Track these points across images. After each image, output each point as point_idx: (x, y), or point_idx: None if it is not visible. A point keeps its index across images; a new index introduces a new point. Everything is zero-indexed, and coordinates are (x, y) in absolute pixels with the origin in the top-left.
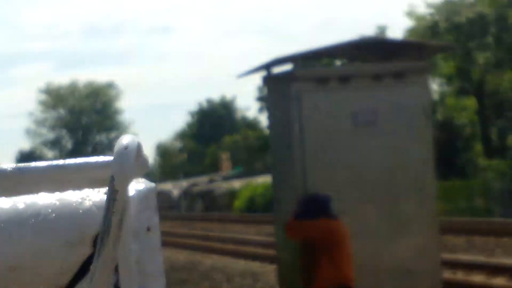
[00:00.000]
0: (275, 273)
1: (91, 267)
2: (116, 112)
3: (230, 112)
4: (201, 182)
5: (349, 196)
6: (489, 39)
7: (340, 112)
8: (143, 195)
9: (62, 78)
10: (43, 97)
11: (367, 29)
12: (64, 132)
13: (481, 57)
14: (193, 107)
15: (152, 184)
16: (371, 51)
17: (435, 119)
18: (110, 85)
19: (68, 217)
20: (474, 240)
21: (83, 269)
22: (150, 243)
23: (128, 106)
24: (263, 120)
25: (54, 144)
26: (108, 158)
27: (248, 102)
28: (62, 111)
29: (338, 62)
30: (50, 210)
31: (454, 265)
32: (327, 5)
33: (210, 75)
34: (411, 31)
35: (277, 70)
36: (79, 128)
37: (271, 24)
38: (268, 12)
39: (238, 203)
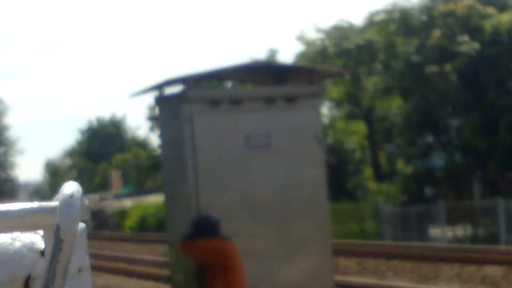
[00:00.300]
0: None
1: None
2: (3, 128)
3: (120, 130)
4: (91, 200)
5: (241, 217)
6: (378, 66)
7: (232, 134)
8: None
9: None
10: None
11: (258, 52)
12: None
13: (370, 83)
14: (83, 124)
15: (83, 225)
16: (263, 75)
17: (326, 143)
18: None
19: None
20: (366, 263)
21: None
22: (81, 284)
23: (15, 122)
24: (154, 139)
25: None
26: (51, 204)
27: (138, 121)
28: None
29: (228, 84)
30: None
31: None
32: (220, 27)
33: (100, 93)
34: (302, 56)
35: (169, 90)
36: None
37: (164, 45)
38: (161, 32)
39: (129, 222)
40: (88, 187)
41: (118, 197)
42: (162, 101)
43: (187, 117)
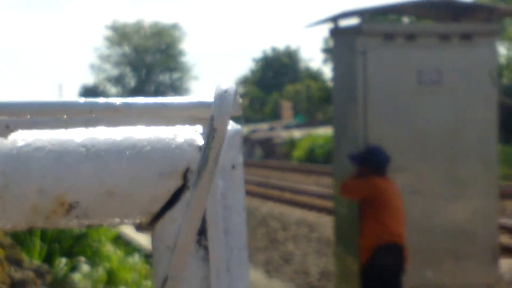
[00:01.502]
0: (331, 224)
1: (189, 195)
2: (180, 53)
3: (294, 61)
4: (262, 129)
5: (408, 153)
6: None
7: (404, 69)
8: (230, 136)
9: (128, 16)
10: (108, 33)
11: None
12: (127, 69)
13: None
14: (257, 54)
15: (238, 126)
16: (440, 11)
17: (501, 83)
18: (175, 26)
19: (161, 151)
20: None
21: (173, 199)
22: (234, 180)
23: (191, 48)
24: (327, 71)
25: (118, 80)
26: (207, 99)
27: (312, 53)
28: (126, 49)
29: (405, 20)
30: (145, 143)
31: None
32: None
33: (275, 23)
34: None
35: (344, 23)
36: (143, 67)
37: None
38: None
39: (297, 153)
40: (258, 116)
41: (287, 127)
42: (336, 33)
43: (361, 51)
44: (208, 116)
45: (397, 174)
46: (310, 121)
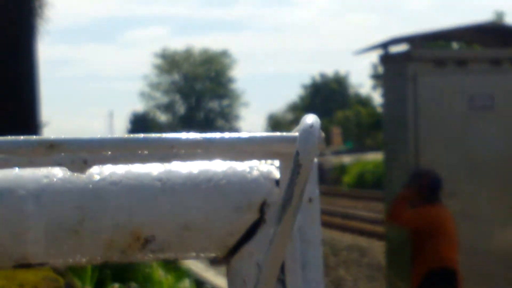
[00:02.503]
0: (382, 249)
1: (273, 232)
2: (229, 80)
3: (343, 87)
4: None
5: (461, 178)
6: None
7: (456, 94)
8: None
9: (177, 43)
10: (158, 61)
11: (484, 14)
12: (177, 97)
13: None
14: (306, 79)
15: (315, 160)
16: (489, 36)
17: None
18: (224, 53)
19: (237, 184)
20: None
21: (250, 232)
22: (311, 213)
23: (240, 75)
24: (376, 97)
25: (167, 108)
26: (291, 134)
27: (361, 79)
28: (176, 76)
29: (454, 45)
30: (221, 177)
31: None
32: None
33: (324, 49)
34: None
35: (393, 49)
36: (193, 94)
37: (389, 2)
38: None
39: (347, 178)
40: None
41: (337, 153)
42: (386, 59)
43: (411, 77)
44: (288, 150)
45: (449, 199)
46: (360, 147)
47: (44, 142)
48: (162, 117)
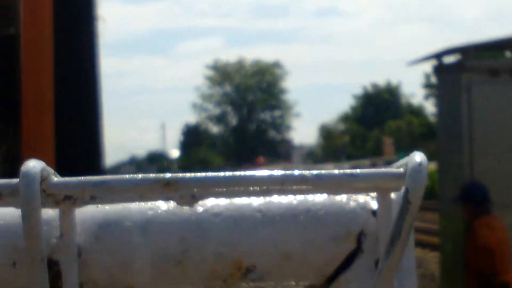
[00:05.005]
0: (436, 260)
1: (379, 265)
2: (281, 91)
3: (395, 97)
4: (363, 165)
5: None
6: None
7: (510, 104)
8: None
9: (229, 55)
10: (210, 73)
11: None
12: (229, 108)
13: None
14: (357, 90)
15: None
16: None
17: None
18: (276, 64)
19: (335, 215)
20: None
21: (347, 262)
22: (408, 243)
23: (292, 85)
24: (428, 107)
25: (219, 119)
26: (396, 171)
27: (413, 89)
28: (228, 88)
29: (508, 54)
30: (319, 207)
31: None
32: None
33: (375, 59)
34: None
35: (447, 59)
36: (244, 105)
37: (440, 12)
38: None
39: None
40: (360, 153)
41: (389, 163)
42: (440, 69)
43: (465, 87)
44: (388, 184)
45: (502, 211)
46: None
47: (161, 180)
48: (214, 129)
